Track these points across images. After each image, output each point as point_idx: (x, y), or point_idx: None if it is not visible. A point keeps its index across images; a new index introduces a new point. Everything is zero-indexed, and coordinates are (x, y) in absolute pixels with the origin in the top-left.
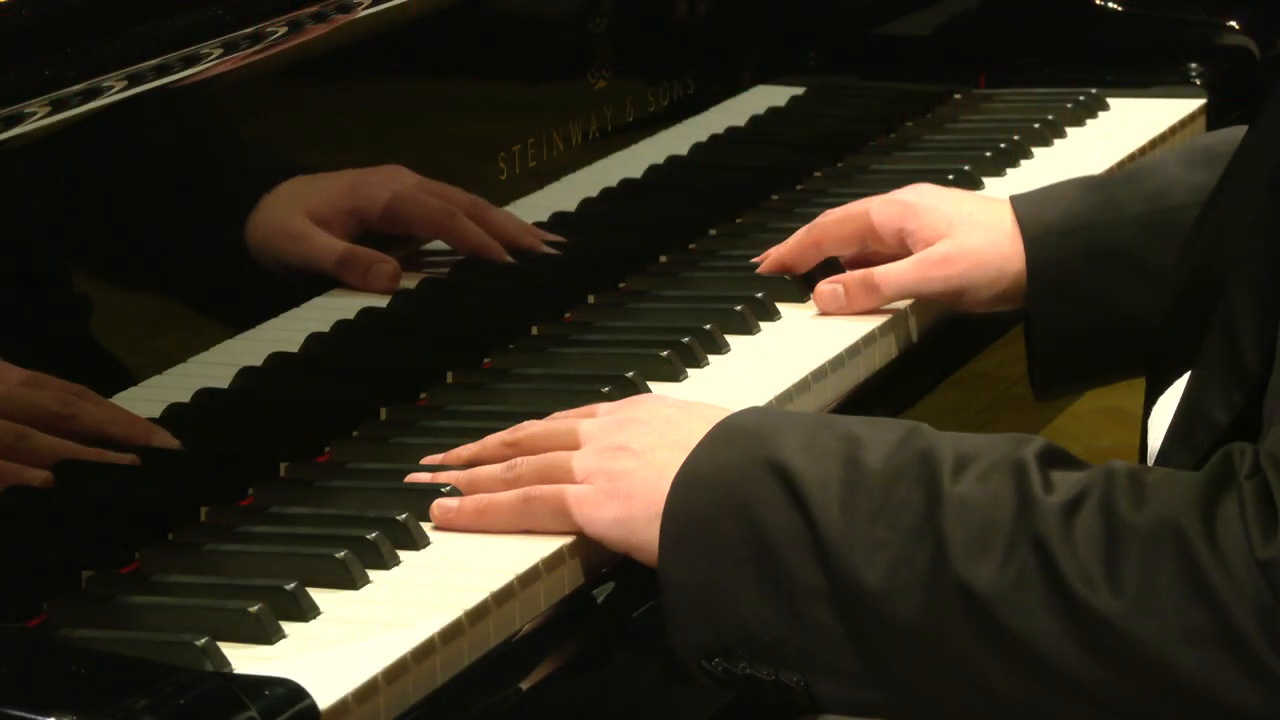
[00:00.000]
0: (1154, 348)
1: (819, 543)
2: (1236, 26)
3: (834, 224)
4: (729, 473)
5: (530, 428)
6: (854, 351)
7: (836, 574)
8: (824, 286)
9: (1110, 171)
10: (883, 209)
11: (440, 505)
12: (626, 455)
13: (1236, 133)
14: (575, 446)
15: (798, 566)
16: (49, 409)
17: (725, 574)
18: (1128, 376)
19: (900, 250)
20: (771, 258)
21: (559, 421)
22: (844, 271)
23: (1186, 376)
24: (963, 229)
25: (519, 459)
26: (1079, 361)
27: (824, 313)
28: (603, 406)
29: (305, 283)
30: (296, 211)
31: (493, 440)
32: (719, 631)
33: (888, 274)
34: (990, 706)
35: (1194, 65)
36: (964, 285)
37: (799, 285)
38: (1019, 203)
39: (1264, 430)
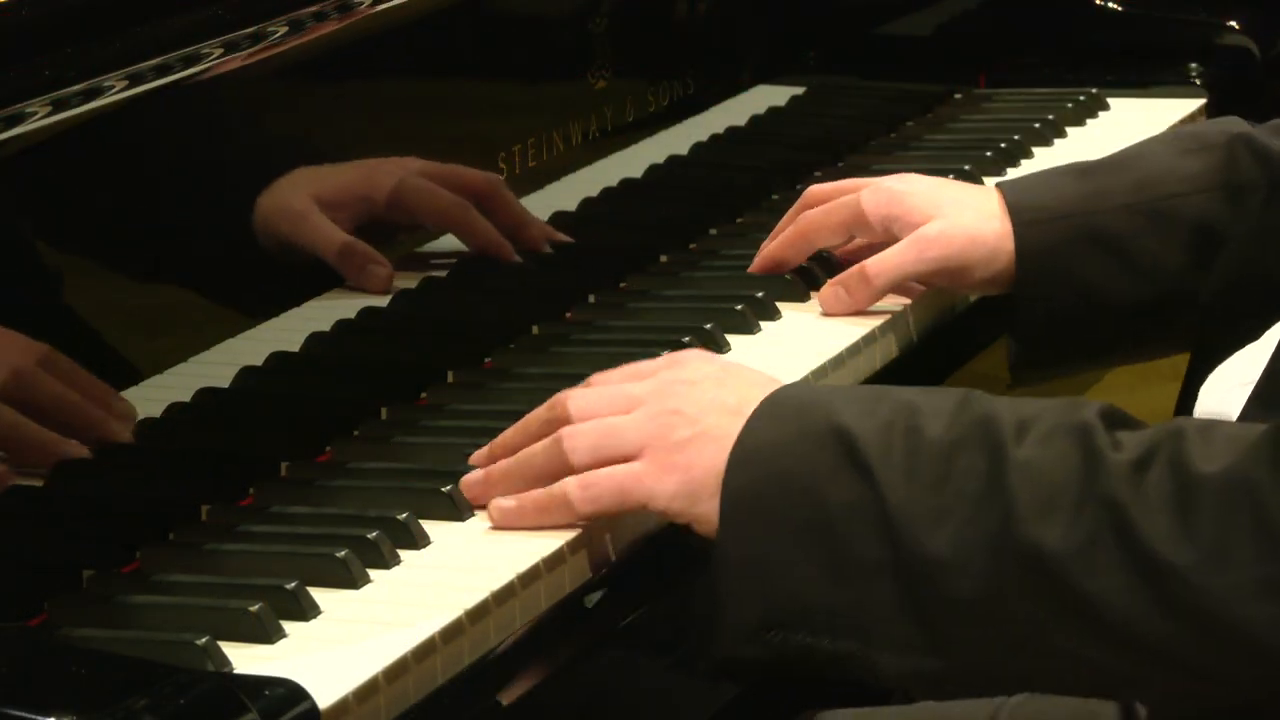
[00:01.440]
0: (1203, 327)
1: (883, 514)
2: (1236, 26)
3: (821, 215)
4: (786, 446)
5: (573, 400)
6: (855, 350)
7: (900, 545)
8: (826, 290)
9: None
10: (870, 196)
11: (497, 506)
12: (681, 422)
13: (1227, 123)
14: (623, 411)
15: (859, 538)
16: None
17: (783, 547)
18: (1104, 365)
19: (888, 238)
20: (762, 255)
21: (604, 389)
22: (837, 265)
23: (1247, 357)
24: (952, 210)
25: (567, 430)
26: (1059, 347)
27: (829, 314)
28: (643, 366)
29: (303, 270)
30: (302, 193)
31: (533, 419)
32: (773, 606)
33: (882, 261)
34: (1053, 669)
35: (1194, 65)
36: (959, 264)
37: (799, 285)
38: (1007, 189)
39: None
